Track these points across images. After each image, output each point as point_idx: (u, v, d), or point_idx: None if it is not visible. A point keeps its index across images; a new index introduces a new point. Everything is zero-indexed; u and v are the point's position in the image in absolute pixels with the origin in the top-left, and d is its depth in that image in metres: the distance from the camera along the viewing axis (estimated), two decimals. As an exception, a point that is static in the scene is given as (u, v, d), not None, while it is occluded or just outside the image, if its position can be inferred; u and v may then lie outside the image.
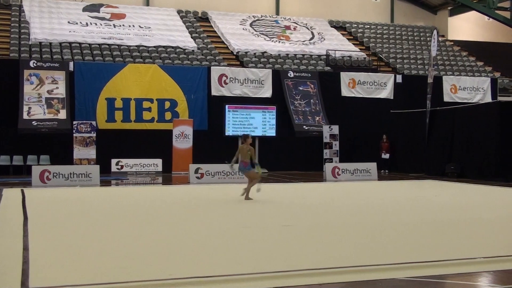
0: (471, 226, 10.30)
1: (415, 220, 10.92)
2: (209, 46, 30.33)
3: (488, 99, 28.75)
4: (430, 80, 25.24)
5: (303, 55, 30.90)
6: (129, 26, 30.72)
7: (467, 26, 40.23)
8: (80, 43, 27.88)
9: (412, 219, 11.10)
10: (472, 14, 38.36)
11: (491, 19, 36.59)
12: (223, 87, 25.91)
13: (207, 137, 24.78)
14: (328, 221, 10.86)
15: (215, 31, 32.78)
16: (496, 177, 20.17)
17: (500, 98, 27.38)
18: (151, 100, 24.77)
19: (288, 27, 34.24)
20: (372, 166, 22.32)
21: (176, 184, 20.58)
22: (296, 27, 34.54)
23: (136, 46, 28.64)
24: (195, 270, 6.59)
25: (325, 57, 30.69)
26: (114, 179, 21.19)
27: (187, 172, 20.81)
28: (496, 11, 34.33)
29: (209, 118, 25.48)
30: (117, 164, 23.48)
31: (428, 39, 35.60)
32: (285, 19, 35.37)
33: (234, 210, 12.50)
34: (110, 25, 30.48)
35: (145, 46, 28.74)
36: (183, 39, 30.25)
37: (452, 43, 37.62)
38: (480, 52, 36.48)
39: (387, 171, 25.15)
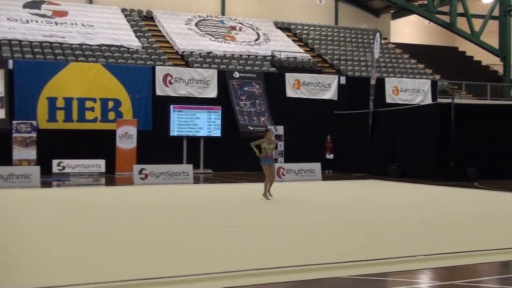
0: (411, 224, 10.51)
1: (358, 219, 11.08)
2: (153, 45, 30.02)
3: (429, 100, 29.42)
4: (373, 81, 25.66)
5: (249, 55, 30.95)
6: (72, 24, 30.11)
7: (408, 29, 41.10)
8: (20, 41, 27.13)
9: (354, 218, 11.25)
10: (414, 18, 39.20)
11: (431, 23, 37.46)
12: (168, 87, 25.71)
13: (151, 137, 24.54)
14: (272, 221, 10.90)
15: (160, 31, 32.47)
16: (436, 177, 20.67)
17: (440, 100, 28.04)
18: (94, 100, 24.35)
19: (233, 28, 34.23)
20: (317, 166, 22.53)
21: (120, 185, 20.29)
22: (242, 27, 34.57)
23: (78, 44, 28.09)
24: (140, 271, 6.50)
25: (270, 58, 30.81)
26: (55, 180, 20.74)
27: (131, 173, 20.55)
28: (436, 15, 35.13)
29: (153, 118, 25.24)
30: (58, 165, 22.97)
31: (371, 41, 36.18)
32: (230, 19, 35.36)
33: (177, 212, 12.41)
34: (52, 23, 29.80)
35: (88, 45, 28.22)
36: (127, 38, 29.85)
37: (394, 45, 38.34)
38: (421, 55, 37.30)
39: (331, 171, 25.44)
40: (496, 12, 34.93)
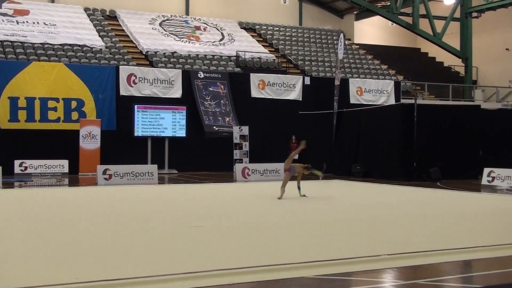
0: (375, 224, 10.61)
1: (323, 219, 11.15)
2: (117, 45, 29.75)
3: (392, 101, 29.76)
4: (337, 82, 25.84)
5: (213, 55, 30.90)
6: (33, 22, 29.64)
7: (372, 31, 41.52)
8: (-20, 40, 26.65)
9: (319, 218, 11.32)
10: (377, 19, 39.61)
11: (394, 24, 37.89)
12: (132, 87, 25.51)
13: (115, 137, 24.33)
14: (237, 221, 10.89)
15: (123, 30, 32.20)
16: (399, 177, 20.91)
17: (403, 101, 28.41)
18: (56, 100, 24.02)
19: (198, 28, 34.13)
20: (281, 166, 22.52)
21: (83, 185, 20.05)
22: (206, 27, 34.49)
23: (40, 43, 27.68)
24: (102, 273, 6.43)
25: (235, 58, 30.81)
26: (17, 180, 20.39)
27: (94, 174, 20.33)
28: (399, 17, 35.54)
29: (117, 118, 25.02)
30: (20, 165, 22.59)
31: (335, 42, 36.46)
32: (195, 19, 35.24)
33: (141, 212, 12.31)
34: (13, 22, 29.30)
35: (50, 44, 27.82)
36: (90, 37, 29.51)
37: (358, 46, 38.70)
38: (385, 56, 37.73)
39: (296, 171, 25.49)
40: (457, 14, 35.51)
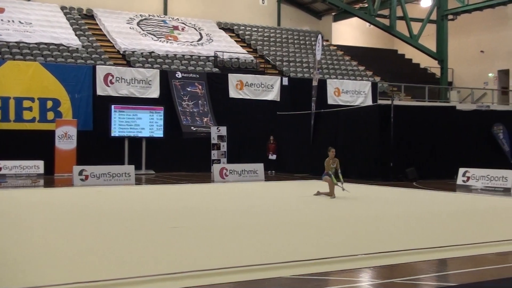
0: (352, 223, 10.68)
1: (300, 219, 11.18)
2: (94, 44, 29.52)
3: (369, 102, 29.93)
4: (315, 83, 25.93)
5: (191, 56, 30.81)
6: (8, 21, 29.28)
7: (349, 32, 41.73)
8: (-46, 38, 26.28)
9: (297, 218, 11.35)
10: (354, 20, 39.82)
11: (372, 26, 38.12)
12: (109, 86, 25.34)
13: (92, 137, 24.15)
14: (216, 222, 10.88)
15: (100, 29, 31.96)
16: (376, 177, 21.06)
17: (380, 101, 28.55)
18: (32, 99, 23.77)
19: (176, 28, 34.01)
20: (259, 167, 22.65)
21: (59, 186, 19.87)
22: (184, 27, 34.39)
23: (16, 42, 27.35)
24: (79, 275, 6.39)
25: (213, 58, 30.76)
26: (-9, 181, 20.16)
27: (70, 174, 20.15)
28: (377, 18, 35.76)
29: (94, 118, 24.83)
30: (-5, 166, 22.31)
31: (313, 43, 36.57)
32: (173, 19, 35.12)
33: (118, 213, 12.24)
34: (-12, 20, 28.96)
35: (26, 43, 27.51)
36: (66, 36, 29.24)
37: (336, 47, 38.86)
38: (362, 57, 37.94)
39: (273, 171, 25.57)
40: (434, 16, 35.83)
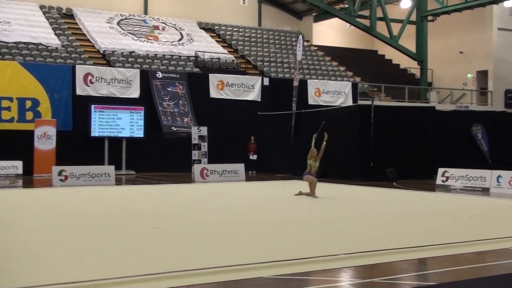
0: (332, 223, 10.72)
1: (281, 219, 11.20)
2: (74, 44, 29.30)
3: (349, 102, 30.05)
4: (295, 83, 25.98)
5: (172, 55, 30.72)
6: (-13, 20, 28.99)
7: (330, 32, 41.87)
8: None
9: (277, 218, 11.37)
10: (335, 21, 39.94)
11: (352, 26, 38.26)
12: (88, 86, 25.16)
13: (71, 138, 23.97)
14: (196, 222, 10.86)
15: (80, 29, 31.73)
16: (356, 177, 21.16)
17: (360, 102, 28.70)
18: (10, 99, 23.52)
19: (156, 27, 33.88)
20: (240, 167, 22.64)
21: (38, 187, 19.69)
22: (165, 27, 34.27)
23: (-6, 41, 27.08)
24: (56, 275, 6.35)
25: (194, 58, 30.69)
26: (-31, 182, 19.92)
27: (49, 175, 19.98)
28: (357, 19, 35.90)
29: (74, 119, 24.64)
30: (-28, 166, 22.04)
31: (294, 43, 36.63)
32: (153, 19, 34.98)
33: (98, 213, 12.16)
34: (-35, 19, 28.62)
35: (4, 42, 27.22)
36: (46, 35, 28.98)
37: (317, 48, 38.97)
38: (342, 58, 38.10)
39: (254, 171, 25.58)
40: (413, 17, 36.07)
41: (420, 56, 35.89)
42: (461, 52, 37.20)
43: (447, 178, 19.50)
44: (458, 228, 10.40)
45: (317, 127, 15.92)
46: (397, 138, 22.18)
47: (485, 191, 17.87)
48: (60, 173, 19.36)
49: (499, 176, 17.92)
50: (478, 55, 36.30)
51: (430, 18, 36.11)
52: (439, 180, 19.72)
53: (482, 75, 36.71)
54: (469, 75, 37.07)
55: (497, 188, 17.75)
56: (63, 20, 31.99)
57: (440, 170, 19.82)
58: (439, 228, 10.32)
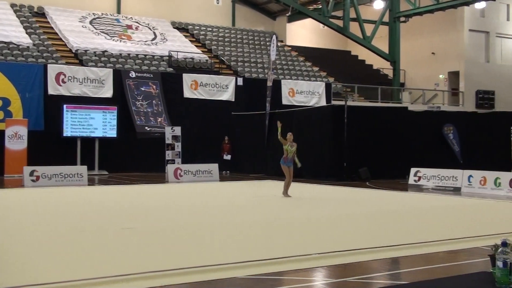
0: (306, 223, 10.75)
1: (255, 219, 11.20)
2: (45, 42, 28.98)
3: (323, 102, 30.19)
4: (269, 83, 26.02)
5: (145, 55, 30.55)
6: (-44, 18, 28.53)
7: (304, 33, 41.99)
8: None
9: (251, 218, 11.37)
10: (309, 21, 40.06)
11: (325, 27, 38.42)
12: (61, 86, 24.90)
13: (43, 138, 23.71)
14: (170, 223, 10.82)
15: (52, 28, 31.39)
16: (330, 177, 21.26)
17: (333, 102, 28.87)
18: (-20, 98, 23.22)
19: (129, 27, 33.66)
20: (214, 167, 22.60)
21: (9, 187, 19.43)
22: (138, 26, 34.06)
23: (-36, 40, 26.67)
24: (26, 277, 6.26)
25: (167, 58, 30.56)
26: None
27: (21, 175, 19.73)
28: (330, 19, 36.04)
29: (45, 118, 24.37)
30: None
31: (268, 43, 36.66)
32: (126, 18, 34.74)
33: (70, 214, 12.03)
34: None
35: (-25, 41, 26.86)
36: (17, 34, 28.60)
37: (290, 48, 39.07)
38: (316, 58, 38.25)
39: (228, 172, 25.55)
40: (386, 18, 36.35)
41: (392, 56, 36.17)
42: (433, 53, 37.62)
43: (419, 177, 19.69)
44: (430, 227, 10.50)
45: (275, 127, 16.14)
46: (370, 138, 22.34)
47: (456, 190, 18.08)
48: (31, 174, 19.13)
49: (470, 175, 18.14)
50: (449, 56, 36.74)
51: (402, 19, 36.41)
52: (411, 179, 19.90)
53: (454, 76, 37.16)
54: (441, 76, 37.50)
55: (468, 188, 17.97)
56: (34, 19, 31.62)
57: (413, 170, 20.00)
58: (412, 227, 10.41)
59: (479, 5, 35.07)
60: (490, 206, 14.44)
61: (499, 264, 4.17)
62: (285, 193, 15.30)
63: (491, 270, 4.35)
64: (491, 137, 24.24)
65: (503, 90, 37.06)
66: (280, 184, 15.61)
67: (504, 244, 4.24)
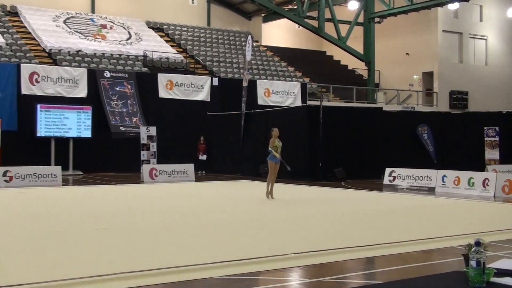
0: (282, 223, 10.76)
1: (230, 219, 11.19)
2: (18, 42, 28.64)
3: (298, 103, 30.28)
4: (245, 83, 26.02)
5: (120, 55, 30.34)
6: None
7: (279, 33, 42.08)
8: None
9: (227, 219, 11.35)
10: (284, 22, 40.14)
11: (301, 27, 38.54)
12: (34, 85, 24.63)
13: (16, 138, 23.43)
14: (145, 223, 10.76)
15: (25, 27, 31.03)
16: (305, 177, 21.30)
17: (309, 102, 28.96)
18: (-48, 98, 22.86)
19: (104, 26, 33.41)
20: (190, 167, 22.53)
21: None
22: (113, 26, 33.83)
23: None
24: (0, 278, 6.19)
25: (142, 58, 30.40)
26: None
27: (-6, 176, 19.46)
28: (306, 20, 36.17)
29: (19, 118, 24.09)
30: None
31: (243, 43, 36.68)
32: (101, 17, 34.47)
33: (44, 214, 11.91)
34: None
35: None
36: (-11, 33, 28.27)
37: (266, 48, 39.13)
38: (292, 58, 38.35)
39: (204, 172, 25.48)
40: (361, 19, 36.58)
41: (367, 57, 36.43)
42: (407, 54, 37.96)
43: (394, 177, 19.83)
44: (404, 227, 10.59)
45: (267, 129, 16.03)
46: (345, 138, 22.45)
47: (430, 190, 18.25)
48: (4, 174, 18.90)
49: (444, 175, 18.31)
50: (423, 57, 37.10)
51: (377, 19, 36.69)
52: (386, 179, 20.03)
53: (428, 76, 37.54)
54: (415, 76, 37.86)
55: (442, 188, 18.14)
56: (7, 18, 31.23)
57: (387, 170, 20.14)
58: (386, 227, 10.48)
59: (452, 6, 35.49)
60: (463, 206, 14.61)
61: (473, 263, 4.21)
62: (270, 194, 14.97)
63: (465, 270, 4.38)
64: (465, 137, 24.49)
65: (477, 91, 37.55)
66: (255, 184, 15.62)
67: (478, 243, 4.28)
